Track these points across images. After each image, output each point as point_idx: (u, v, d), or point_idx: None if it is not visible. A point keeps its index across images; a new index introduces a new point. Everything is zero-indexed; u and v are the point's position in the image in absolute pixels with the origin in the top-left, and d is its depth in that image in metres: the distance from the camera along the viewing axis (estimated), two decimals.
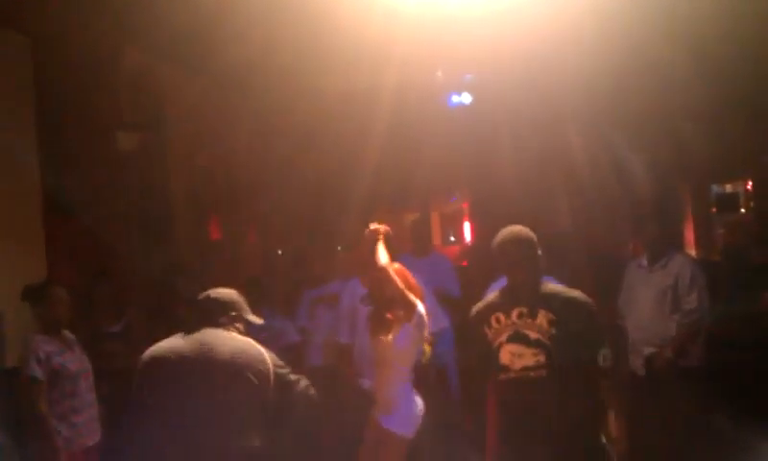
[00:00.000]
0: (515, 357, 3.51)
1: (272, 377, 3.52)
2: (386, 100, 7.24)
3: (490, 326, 3.61)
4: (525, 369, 3.48)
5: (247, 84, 7.51)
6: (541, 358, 3.45)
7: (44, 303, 4.86)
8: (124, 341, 5.56)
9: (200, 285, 6.49)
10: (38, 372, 4.61)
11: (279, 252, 9.02)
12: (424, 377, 4.71)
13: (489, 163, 8.45)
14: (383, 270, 4.45)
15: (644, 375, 5.50)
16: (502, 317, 3.58)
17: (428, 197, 10.96)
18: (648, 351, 5.47)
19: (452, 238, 12.82)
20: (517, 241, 3.67)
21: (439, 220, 12.77)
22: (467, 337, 3.85)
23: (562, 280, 4.03)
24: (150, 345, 3.56)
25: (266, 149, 8.29)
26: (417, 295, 4.52)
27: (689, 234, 9.48)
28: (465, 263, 9.44)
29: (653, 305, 5.50)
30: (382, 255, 4.52)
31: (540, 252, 3.67)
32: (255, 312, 6.05)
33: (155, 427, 3.36)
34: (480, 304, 3.77)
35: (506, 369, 3.53)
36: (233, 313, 3.73)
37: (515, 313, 3.55)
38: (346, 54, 6.31)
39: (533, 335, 3.48)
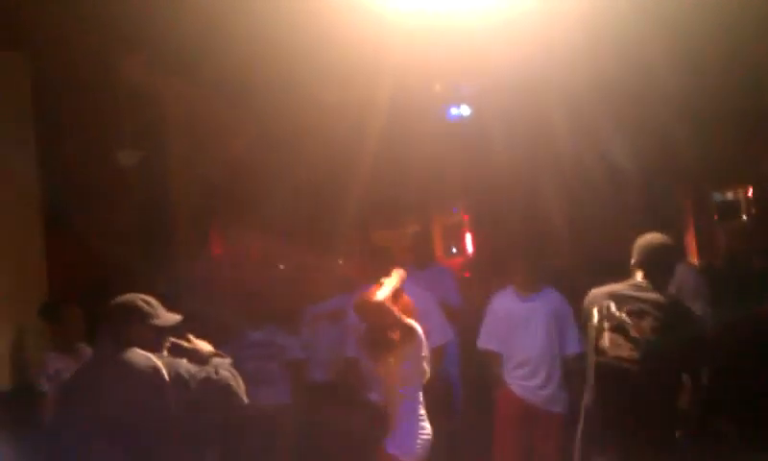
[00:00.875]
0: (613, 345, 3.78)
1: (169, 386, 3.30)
2: (385, 113, 7.25)
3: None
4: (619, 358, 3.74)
5: (247, 97, 7.52)
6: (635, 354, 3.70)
7: (57, 321, 5.01)
8: None
9: (202, 301, 6.54)
10: (46, 387, 4.69)
11: (281, 266, 8.99)
12: (430, 391, 4.69)
13: (489, 175, 8.46)
14: (380, 305, 4.40)
15: None
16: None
17: (429, 209, 10.96)
18: None
19: (454, 250, 12.80)
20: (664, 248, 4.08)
21: (441, 232, 12.76)
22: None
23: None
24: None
25: (267, 162, 8.29)
26: (411, 314, 4.52)
27: (691, 242, 9.47)
28: (467, 274, 9.43)
29: None
30: (381, 292, 4.46)
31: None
32: (258, 328, 6.11)
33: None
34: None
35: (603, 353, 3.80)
36: (137, 323, 3.48)
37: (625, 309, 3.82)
38: (346, 66, 6.33)
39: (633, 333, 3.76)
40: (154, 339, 3.49)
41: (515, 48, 5.95)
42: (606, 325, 3.82)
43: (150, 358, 3.36)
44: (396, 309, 4.41)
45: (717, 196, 10.12)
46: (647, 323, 3.73)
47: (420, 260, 6.47)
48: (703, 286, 5.44)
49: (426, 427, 4.55)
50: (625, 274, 6.06)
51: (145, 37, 5.86)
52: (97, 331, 3.58)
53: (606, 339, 3.79)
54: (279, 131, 7.98)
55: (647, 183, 8.23)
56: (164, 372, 3.29)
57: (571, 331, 5.51)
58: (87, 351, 4.97)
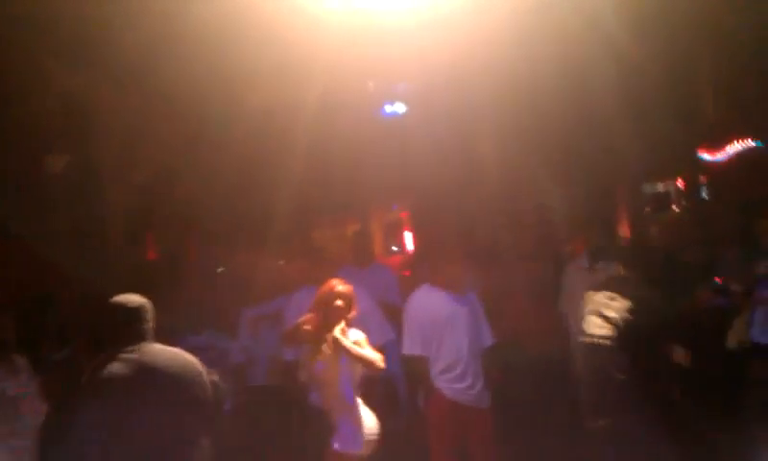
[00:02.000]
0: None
1: (208, 384, 3.72)
2: (321, 112, 7.22)
3: None
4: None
5: (180, 99, 7.40)
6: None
7: None
8: (68, 369, 5.43)
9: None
10: None
11: (219, 269, 8.88)
12: (374, 391, 4.70)
13: (426, 172, 8.48)
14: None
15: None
16: None
17: (368, 207, 10.96)
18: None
19: (394, 248, 12.82)
20: None
21: (380, 230, 12.76)
22: None
23: None
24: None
25: (203, 165, 8.18)
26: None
27: (625, 233, 9.65)
28: (407, 273, 9.44)
29: None
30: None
31: None
32: (198, 333, 6.02)
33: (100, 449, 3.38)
34: None
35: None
36: (150, 320, 3.77)
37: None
38: (282, 65, 6.28)
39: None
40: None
41: (447, 45, 5.98)
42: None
43: (189, 355, 3.73)
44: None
45: (648, 188, 10.32)
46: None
47: (359, 259, 6.46)
48: (637, 275, 5.52)
49: (371, 422, 4.56)
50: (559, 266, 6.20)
51: (76, 41, 5.72)
52: (112, 330, 3.69)
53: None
54: (215, 132, 7.88)
55: (583, 177, 8.36)
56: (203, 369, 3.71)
57: (485, 325, 5.58)
58: (21, 361, 4.89)
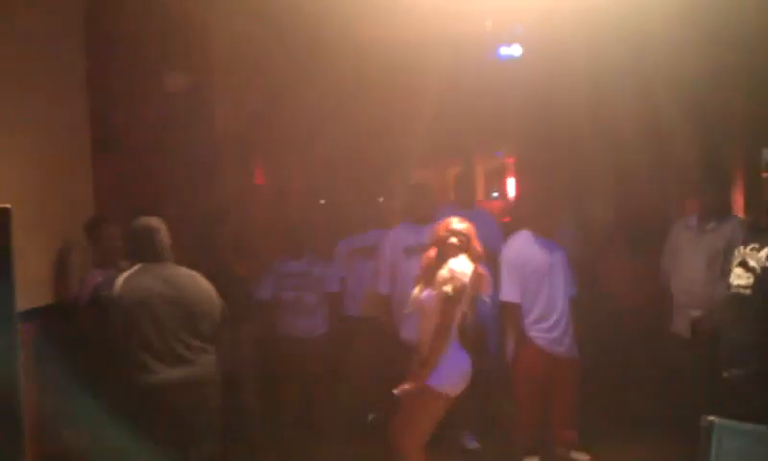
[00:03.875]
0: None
1: (218, 304, 4.46)
2: (432, 50, 7.14)
3: None
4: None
5: (296, 30, 7.46)
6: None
7: (98, 238, 5.18)
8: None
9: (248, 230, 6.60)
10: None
11: (322, 201, 9.03)
12: (466, 332, 4.72)
13: (536, 119, 8.31)
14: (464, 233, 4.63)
15: (690, 338, 5.42)
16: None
17: (473, 151, 10.85)
18: (695, 314, 5.37)
19: (495, 194, 12.71)
20: None
21: (483, 174, 12.67)
22: None
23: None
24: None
25: (313, 97, 8.26)
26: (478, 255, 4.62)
27: (739, 198, 9.26)
28: (507, 219, 9.37)
29: (702, 268, 5.38)
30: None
31: None
32: (297, 258, 6.18)
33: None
34: None
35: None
36: (166, 241, 4.42)
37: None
38: (390, 2, 6.23)
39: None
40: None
41: None
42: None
43: (194, 273, 4.51)
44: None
45: (766, 152, 9.84)
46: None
47: (462, 201, 6.43)
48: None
49: (467, 363, 4.58)
50: (667, 226, 6.02)
51: None
52: (135, 246, 4.40)
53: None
54: (328, 66, 7.91)
55: (697, 137, 8.03)
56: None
57: (570, 276, 5.55)
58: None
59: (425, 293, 4.59)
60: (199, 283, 4.41)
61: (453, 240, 4.59)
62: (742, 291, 4.03)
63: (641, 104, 7.25)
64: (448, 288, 4.44)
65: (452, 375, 4.53)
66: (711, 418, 3.37)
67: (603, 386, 6.21)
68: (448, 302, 4.45)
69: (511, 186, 11.69)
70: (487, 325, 5.95)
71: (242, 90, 7.77)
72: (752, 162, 9.50)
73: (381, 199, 7.43)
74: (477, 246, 4.65)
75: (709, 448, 3.31)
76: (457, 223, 4.66)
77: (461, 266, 4.52)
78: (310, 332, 6.15)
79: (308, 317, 6.15)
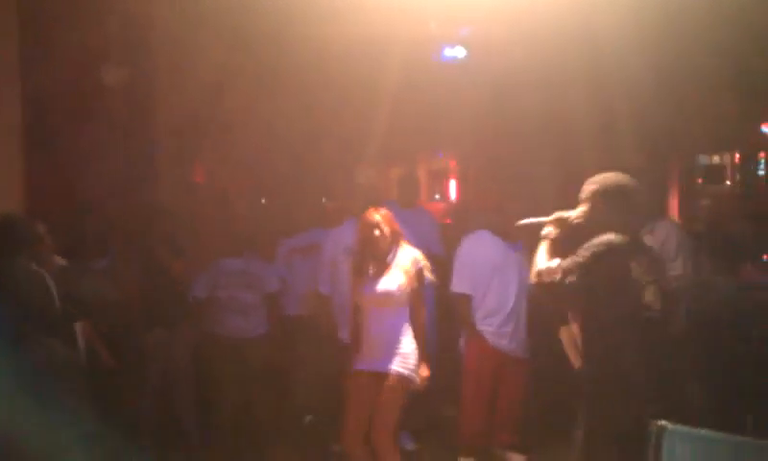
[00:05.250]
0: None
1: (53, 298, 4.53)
2: (376, 51, 7.13)
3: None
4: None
5: (239, 28, 7.37)
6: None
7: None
8: (109, 277, 5.59)
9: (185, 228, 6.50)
10: None
11: (263, 200, 8.93)
12: None
13: (480, 121, 8.36)
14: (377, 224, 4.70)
15: None
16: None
17: (416, 152, 10.87)
18: None
19: (437, 196, 12.76)
20: None
21: (425, 176, 12.69)
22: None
23: None
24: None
25: (255, 95, 8.18)
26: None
27: (674, 204, 9.48)
28: (448, 221, 9.41)
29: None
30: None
31: None
32: (236, 255, 6.10)
33: None
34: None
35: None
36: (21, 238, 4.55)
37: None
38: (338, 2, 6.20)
39: None
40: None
41: None
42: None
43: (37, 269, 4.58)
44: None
45: (703, 160, 10.09)
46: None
47: (404, 200, 6.43)
48: (686, 245, 5.43)
49: (410, 347, 4.69)
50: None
51: None
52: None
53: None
54: (267, 65, 7.84)
55: (637, 143, 8.19)
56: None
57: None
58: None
59: (366, 288, 4.66)
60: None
61: (376, 232, 4.70)
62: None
63: (585, 106, 7.35)
64: (429, 274, 4.72)
65: (416, 360, 4.68)
66: (662, 422, 3.37)
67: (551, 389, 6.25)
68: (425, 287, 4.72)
69: (453, 189, 11.74)
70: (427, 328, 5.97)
71: (182, 88, 7.64)
72: (687, 169, 9.77)
73: (324, 199, 7.38)
74: (396, 227, 4.81)
75: (660, 454, 3.32)
76: (377, 214, 4.76)
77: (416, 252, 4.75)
78: (248, 332, 6.06)
79: (246, 316, 6.06)
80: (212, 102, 7.83)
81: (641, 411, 3.47)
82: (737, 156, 9.47)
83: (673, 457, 3.27)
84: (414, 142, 10.17)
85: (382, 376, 4.59)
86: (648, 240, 5.43)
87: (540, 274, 3.77)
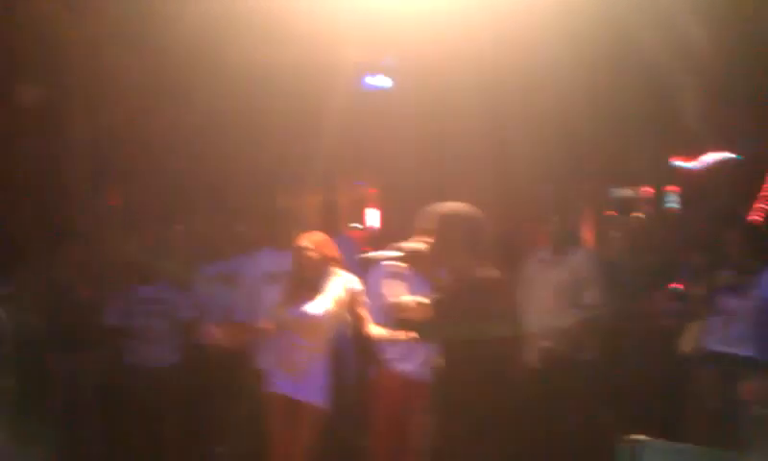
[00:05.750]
0: None
1: None
2: (297, 78, 7.13)
3: None
4: None
5: (157, 48, 7.27)
6: None
7: None
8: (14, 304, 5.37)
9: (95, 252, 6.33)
10: None
11: (178, 227, 8.76)
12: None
13: (403, 150, 8.43)
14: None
15: (539, 368, 5.56)
16: None
17: (335, 179, 10.83)
18: (544, 344, 5.53)
19: (356, 224, 12.72)
20: None
21: (344, 204, 12.63)
22: None
23: None
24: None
25: (172, 118, 8.06)
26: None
27: (588, 233, 9.68)
28: (368, 249, 9.41)
29: (552, 298, 5.57)
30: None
31: None
32: (148, 283, 5.95)
33: None
34: None
35: None
36: None
37: None
38: (259, 28, 6.19)
39: None
40: None
41: (438, 26, 5.94)
42: None
43: None
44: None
45: (615, 192, 10.35)
46: None
47: (327, 228, 6.39)
48: (598, 274, 5.56)
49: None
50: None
51: None
52: None
53: None
54: (185, 88, 7.74)
55: (550, 175, 8.37)
56: None
57: None
58: None
59: (312, 309, 4.64)
60: None
61: (310, 254, 4.70)
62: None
63: (509, 136, 7.49)
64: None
65: (321, 389, 4.71)
66: (638, 436, 3.37)
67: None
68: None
69: (372, 217, 11.73)
70: (345, 351, 5.93)
71: (96, 107, 7.48)
72: (601, 200, 10.02)
73: (241, 226, 7.28)
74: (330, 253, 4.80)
75: None
76: (310, 237, 4.78)
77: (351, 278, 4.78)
78: (159, 361, 5.92)
79: (158, 345, 5.93)
80: (127, 125, 7.69)
81: None
82: (649, 189, 9.78)
83: None
84: (333, 169, 10.15)
85: (299, 404, 4.54)
86: (562, 268, 5.61)
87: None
